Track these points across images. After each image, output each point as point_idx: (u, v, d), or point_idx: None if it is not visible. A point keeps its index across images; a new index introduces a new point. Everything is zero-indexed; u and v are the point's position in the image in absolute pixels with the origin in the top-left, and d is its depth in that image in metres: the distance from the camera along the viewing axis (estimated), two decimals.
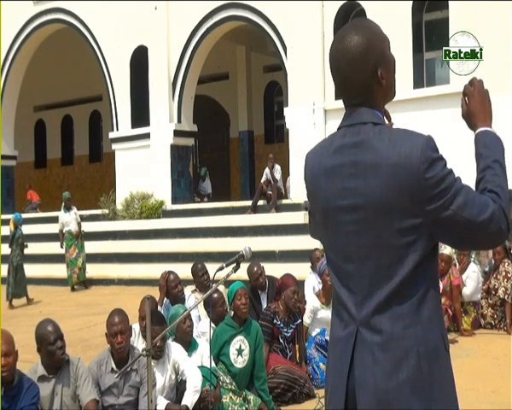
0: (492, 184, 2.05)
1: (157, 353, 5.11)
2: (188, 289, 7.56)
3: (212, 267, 7.49)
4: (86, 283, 14.62)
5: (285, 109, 15.28)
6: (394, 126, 2.21)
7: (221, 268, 3.01)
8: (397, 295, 2.02)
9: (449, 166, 2.02)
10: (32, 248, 14.57)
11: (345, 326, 2.11)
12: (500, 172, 2.08)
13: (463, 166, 14.24)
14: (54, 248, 14.89)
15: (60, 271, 14.71)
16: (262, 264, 7.81)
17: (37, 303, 13.36)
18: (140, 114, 17.57)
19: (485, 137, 2.16)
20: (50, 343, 4.53)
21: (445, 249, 8.93)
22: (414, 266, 2.02)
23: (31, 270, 14.40)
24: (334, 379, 2.14)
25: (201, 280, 7.41)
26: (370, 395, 2.03)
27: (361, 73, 2.08)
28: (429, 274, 2.07)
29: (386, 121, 2.22)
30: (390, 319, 2.02)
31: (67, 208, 14.50)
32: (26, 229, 17.18)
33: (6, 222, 18.21)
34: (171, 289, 6.92)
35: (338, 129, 2.17)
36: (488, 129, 2.19)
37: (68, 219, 14.34)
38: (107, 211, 17.51)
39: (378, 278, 2.04)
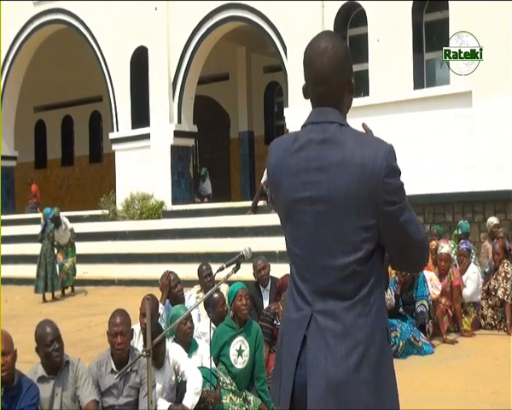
0: None
1: (158, 360, 5.10)
2: (194, 290, 7.57)
3: (212, 268, 7.53)
4: (72, 286, 14.26)
5: (285, 110, 15.26)
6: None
7: (221, 269, 3.02)
8: (349, 286, 2.16)
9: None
10: (31, 249, 14.55)
11: (299, 309, 2.22)
12: None
13: (463, 165, 14.16)
14: None
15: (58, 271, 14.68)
16: None
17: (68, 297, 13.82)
18: (140, 115, 17.57)
19: None
20: (46, 345, 4.52)
21: (443, 249, 8.93)
22: (365, 262, 2.16)
23: (30, 270, 14.39)
24: (286, 359, 2.23)
25: (205, 281, 7.44)
26: (321, 378, 2.14)
27: (342, 73, 2.23)
28: (378, 273, 2.22)
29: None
30: (343, 308, 2.15)
31: (56, 226, 13.73)
32: (25, 230, 17.24)
33: (6, 223, 18.27)
34: (171, 288, 6.94)
35: (302, 127, 2.27)
36: None
37: (57, 236, 13.83)
38: (107, 211, 17.50)
39: (332, 268, 2.17)
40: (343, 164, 2.11)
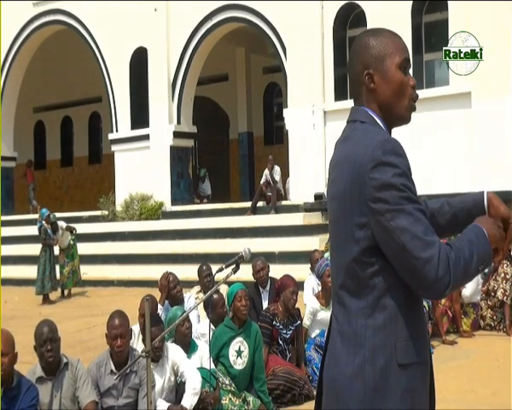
0: (458, 242, 2.03)
1: (156, 354, 5.10)
2: (193, 290, 7.58)
3: (211, 269, 7.53)
4: (70, 290, 14.03)
5: (284, 111, 15.27)
6: None
7: (220, 269, 3.02)
8: (351, 290, 2.09)
9: (404, 182, 1.98)
10: (31, 250, 14.51)
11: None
12: (467, 246, 2.02)
13: (462, 166, 14.11)
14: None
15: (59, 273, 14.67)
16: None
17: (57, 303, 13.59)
18: (139, 116, 17.57)
19: (476, 226, 2.09)
20: (40, 345, 4.54)
21: None
22: (365, 266, 2.06)
23: (29, 271, 14.39)
24: None
25: (204, 282, 7.45)
26: (325, 378, 2.18)
27: (353, 68, 2.23)
28: (388, 281, 2.05)
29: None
30: (347, 313, 2.10)
31: (53, 231, 13.62)
32: (24, 230, 17.22)
33: (5, 223, 18.26)
34: (171, 289, 6.95)
35: None
36: (482, 226, 2.08)
37: (57, 240, 13.76)
38: (106, 212, 17.50)
39: (339, 269, 2.14)
40: (345, 160, 2.10)
